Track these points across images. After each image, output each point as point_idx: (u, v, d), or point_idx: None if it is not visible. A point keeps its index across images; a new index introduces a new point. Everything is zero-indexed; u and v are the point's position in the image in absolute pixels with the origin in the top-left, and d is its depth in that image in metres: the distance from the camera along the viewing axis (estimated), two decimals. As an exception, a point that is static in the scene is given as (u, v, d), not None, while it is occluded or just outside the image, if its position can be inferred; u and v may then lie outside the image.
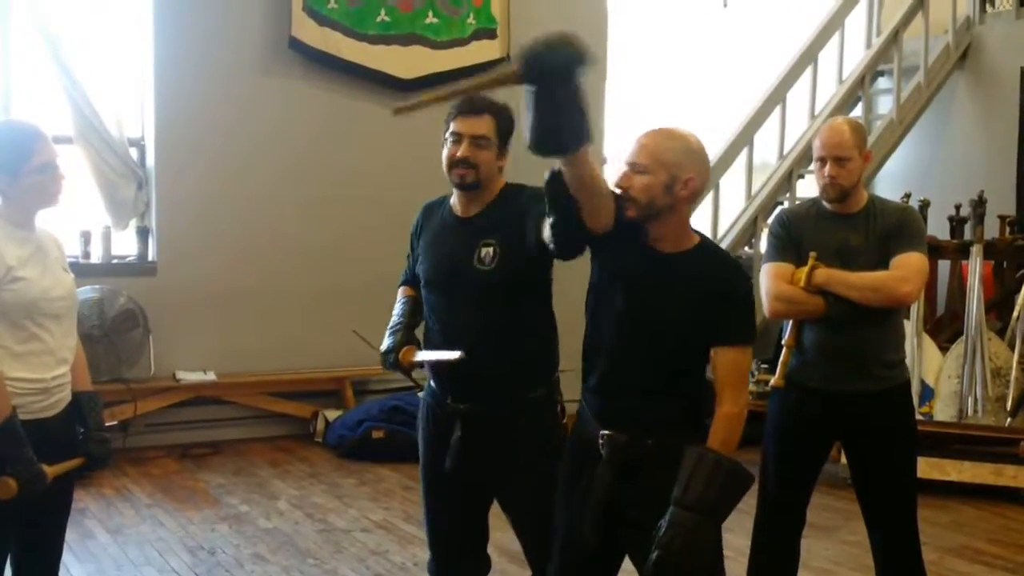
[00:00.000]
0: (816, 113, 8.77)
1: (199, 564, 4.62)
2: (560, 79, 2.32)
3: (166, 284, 6.81)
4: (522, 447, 3.00)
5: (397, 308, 3.24)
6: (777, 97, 8.53)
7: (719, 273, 2.68)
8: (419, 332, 3.24)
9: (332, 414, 6.97)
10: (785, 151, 8.64)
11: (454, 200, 3.10)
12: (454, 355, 2.94)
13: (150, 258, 6.92)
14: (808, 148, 8.57)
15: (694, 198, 2.65)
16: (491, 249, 2.96)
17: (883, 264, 3.47)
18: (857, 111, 8.85)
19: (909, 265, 3.46)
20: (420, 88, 7.36)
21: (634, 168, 2.60)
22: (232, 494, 5.75)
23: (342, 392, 7.19)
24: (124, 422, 6.46)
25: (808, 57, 8.65)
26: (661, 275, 2.65)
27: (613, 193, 2.61)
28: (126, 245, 6.95)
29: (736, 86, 8.78)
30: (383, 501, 5.67)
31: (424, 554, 4.61)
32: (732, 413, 2.63)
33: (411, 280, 3.29)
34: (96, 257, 6.79)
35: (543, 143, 2.39)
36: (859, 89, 8.80)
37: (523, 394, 3.00)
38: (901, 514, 3.61)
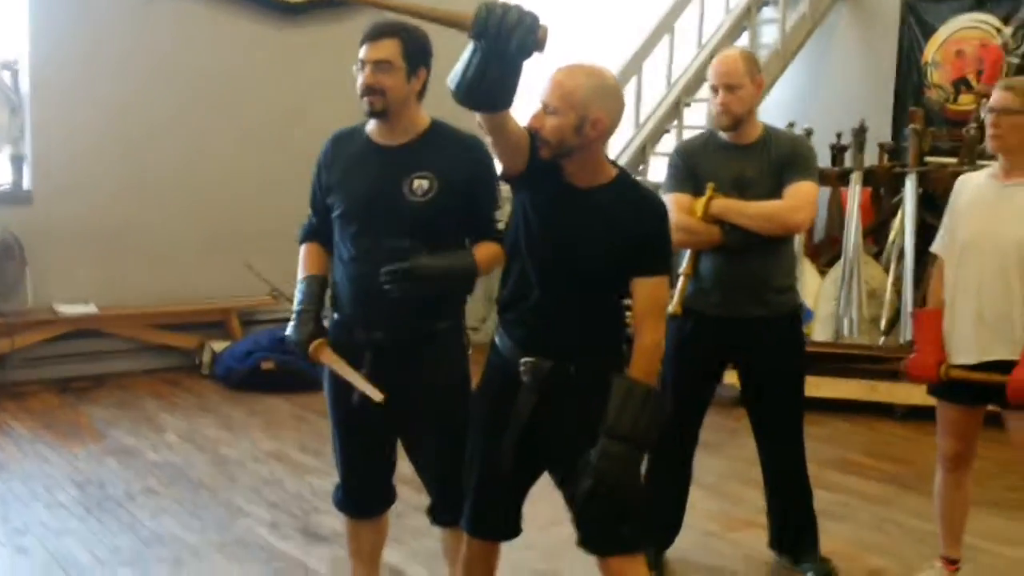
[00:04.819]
0: (703, 43, 8.84)
1: (88, 498, 4.52)
2: (512, 53, 2.33)
3: (43, 214, 6.56)
4: (429, 377, 3.00)
5: (300, 289, 3.09)
6: (665, 26, 8.58)
7: (635, 205, 2.69)
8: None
9: (219, 345, 6.85)
10: (673, 80, 8.70)
11: (371, 129, 3.03)
12: (376, 395, 2.88)
13: (25, 187, 6.65)
14: (695, 77, 8.70)
15: (604, 137, 2.66)
16: (426, 182, 2.91)
17: (777, 193, 3.56)
18: (743, 40, 8.95)
19: (801, 194, 3.56)
20: (311, 12, 7.21)
21: (545, 109, 2.60)
22: (118, 427, 5.62)
23: (228, 323, 7.07)
24: (1, 356, 6.25)
25: (696, -14, 8.70)
26: (577, 209, 2.67)
27: (528, 131, 2.62)
28: (-1, 173, 6.69)
29: (625, 15, 8.79)
30: (275, 431, 5.62)
31: (319, 483, 4.67)
32: (652, 342, 2.68)
33: (316, 229, 3.14)
34: (-34, 186, 6.52)
35: (472, 98, 2.43)
36: (745, 19, 8.90)
37: (431, 325, 2.99)
38: (789, 431, 3.77)
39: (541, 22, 2.35)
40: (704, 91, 8.73)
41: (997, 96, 3.38)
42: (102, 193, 6.72)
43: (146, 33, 6.78)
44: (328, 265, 3.15)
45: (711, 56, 8.58)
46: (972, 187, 3.51)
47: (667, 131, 8.67)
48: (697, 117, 8.79)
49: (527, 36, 2.32)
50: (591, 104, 2.58)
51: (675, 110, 8.59)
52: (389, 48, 2.89)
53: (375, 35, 2.91)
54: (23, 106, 6.61)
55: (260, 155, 7.08)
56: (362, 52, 2.92)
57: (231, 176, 7.09)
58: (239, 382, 6.46)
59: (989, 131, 3.40)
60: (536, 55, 2.39)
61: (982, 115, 3.48)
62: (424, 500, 3.20)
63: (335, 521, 4.15)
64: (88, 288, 6.67)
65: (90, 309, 6.60)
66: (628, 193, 2.72)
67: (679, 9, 8.60)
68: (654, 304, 2.70)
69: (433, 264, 2.85)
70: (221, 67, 7.04)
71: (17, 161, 6.64)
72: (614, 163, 2.77)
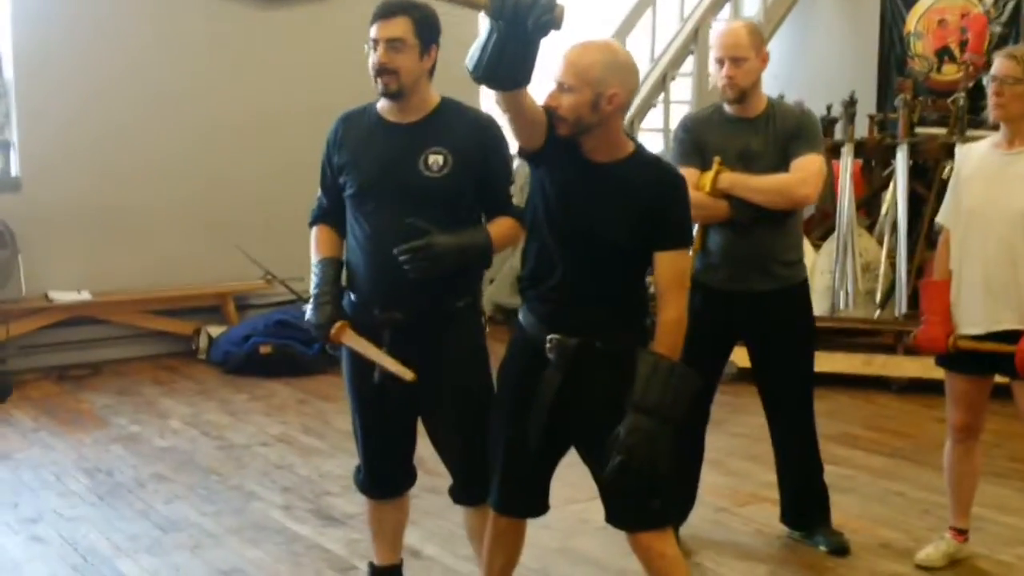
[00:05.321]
0: (686, 16, 8.84)
1: (99, 486, 4.52)
2: (530, 32, 2.37)
3: (32, 200, 6.52)
4: (448, 355, 3.01)
5: (317, 272, 3.07)
6: (647, 0, 8.57)
7: (654, 180, 2.71)
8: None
9: (215, 330, 6.84)
10: (657, 54, 8.71)
11: (382, 107, 3.03)
12: (407, 374, 2.88)
13: (13, 173, 6.60)
14: (679, 51, 8.71)
15: (621, 111, 2.68)
16: (441, 158, 2.92)
17: (783, 166, 3.59)
18: (725, 13, 8.96)
19: (808, 167, 3.59)
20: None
21: (561, 87, 2.62)
22: (120, 414, 5.61)
23: (224, 308, 7.06)
24: (-3, 345, 6.23)
25: (679, -41, 8.70)
26: (596, 185, 2.69)
27: (545, 109, 2.64)
28: (-15, 160, 6.63)
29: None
30: (278, 415, 5.62)
31: (327, 466, 4.68)
32: (676, 317, 2.71)
33: (327, 210, 3.13)
34: (-46, 174, 6.46)
35: (490, 78, 2.47)
36: (728, -10, 8.91)
37: (450, 303, 3.00)
38: (799, 405, 3.82)
39: (557, 1, 2.37)
40: (688, 65, 8.79)
41: (1000, 65, 3.38)
42: (91, 178, 6.67)
43: (131, 16, 6.72)
44: (341, 247, 3.14)
45: (695, 29, 8.69)
46: (975, 157, 3.53)
47: (654, 106, 8.69)
48: (683, 91, 8.81)
49: (544, 15, 2.35)
50: (606, 80, 2.60)
51: (661, 84, 8.60)
52: (401, 26, 2.89)
53: (386, 13, 2.90)
54: (8, 92, 6.54)
55: (250, 138, 7.04)
56: (373, 31, 2.91)
57: (222, 160, 7.05)
58: (237, 367, 6.45)
59: (992, 100, 3.41)
60: (553, 33, 2.42)
61: (983, 83, 3.50)
62: (438, 481, 3.23)
63: (347, 503, 4.20)
64: (81, 275, 6.64)
65: (84, 296, 6.57)
66: (646, 167, 2.74)
67: (662, -18, 8.61)
68: (676, 277, 2.73)
69: (449, 241, 2.86)
70: (208, 50, 6.98)
71: (4, 148, 6.58)
72: (631, 137, 2.79)
